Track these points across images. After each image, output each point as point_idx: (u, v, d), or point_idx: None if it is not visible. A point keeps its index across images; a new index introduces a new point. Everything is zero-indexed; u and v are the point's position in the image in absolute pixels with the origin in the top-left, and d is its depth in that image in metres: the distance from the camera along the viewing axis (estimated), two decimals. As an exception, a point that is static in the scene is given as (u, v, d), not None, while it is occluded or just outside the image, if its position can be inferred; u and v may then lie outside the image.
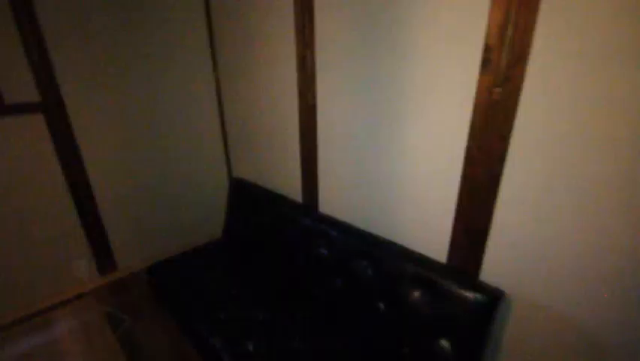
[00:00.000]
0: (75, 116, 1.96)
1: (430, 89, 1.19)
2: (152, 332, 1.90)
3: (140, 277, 2.29)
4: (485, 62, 1.01)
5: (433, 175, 1.27)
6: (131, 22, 2.04)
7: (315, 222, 1.73)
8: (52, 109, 1.88)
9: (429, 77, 1.18)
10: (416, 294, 1.26)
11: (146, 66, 2.15)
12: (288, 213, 1.88)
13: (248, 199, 2.20)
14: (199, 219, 2.68)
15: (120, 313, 2.01)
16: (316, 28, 1.56)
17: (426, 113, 1.23)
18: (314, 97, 1.69)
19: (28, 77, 1.76)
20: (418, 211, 1.37)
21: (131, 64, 2.09)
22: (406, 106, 1.29)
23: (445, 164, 1.22)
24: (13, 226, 1.89)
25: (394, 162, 1.40)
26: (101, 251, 2.26)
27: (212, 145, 2.60)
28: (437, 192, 1.27)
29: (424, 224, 1.36)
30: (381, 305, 1.37)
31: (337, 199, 1.77)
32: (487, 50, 1.00)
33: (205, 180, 2.64)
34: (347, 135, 1.58)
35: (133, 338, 1.85)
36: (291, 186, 2.02)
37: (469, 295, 1.12)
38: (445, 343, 1.16)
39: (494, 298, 1.10)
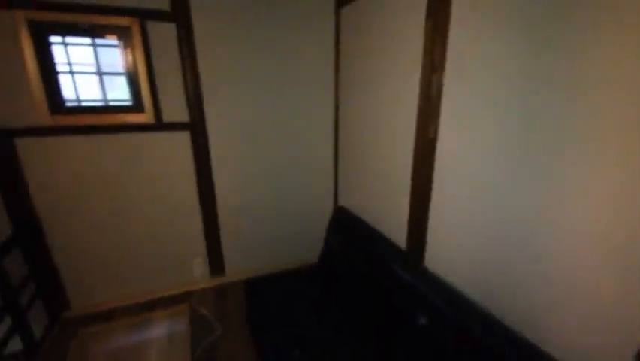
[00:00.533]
0: (212, 134, 2.21)
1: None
2: (234, 348, 1.90)
3: (239, 286, 2.38)
4: None
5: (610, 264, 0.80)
6: (270, 51, 2.19)
7: (418, 280, 1.40)
8: (196, 127, 2.15)
9: None
10: None
11: (277, 94, 2.29)
12: (386, 259, 1.61)
13: (348, 230, 2.04)
14: (301, 241, 2.66)
15: (214, 321, 2.10)
16: (449, 47, 1.27)
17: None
18: (435, 130, 1.39)
19: (182, 101, 2.06)
20: (575, 315, 0.89)
21: (262, 91, 2.24)
22: (583, 157, 0.86)
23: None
24: (151, 219, 2.23)
25: (542, 235, 0.97)
26: (215, 255, 2.46)
27: (323, 169, 2.57)
28: (615, 286, 0.79)
29: (587, 332, 0.87)
30: None
31: (450, 257, 1.40)
32: None
33: (312, 204, 2.62)
34: (474, 183, 1.22)
35: (215, 354, 1.87)
36: (396, 228, 1.75)
37: None
38: None
39: None
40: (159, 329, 1.69)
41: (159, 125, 2.06)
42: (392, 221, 1.80)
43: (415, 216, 1.60)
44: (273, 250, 2.61)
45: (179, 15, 1.93)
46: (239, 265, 2.54)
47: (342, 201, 2.51)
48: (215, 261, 2.47)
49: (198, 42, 2.02)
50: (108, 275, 2.19)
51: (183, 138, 2.15)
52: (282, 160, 2.45)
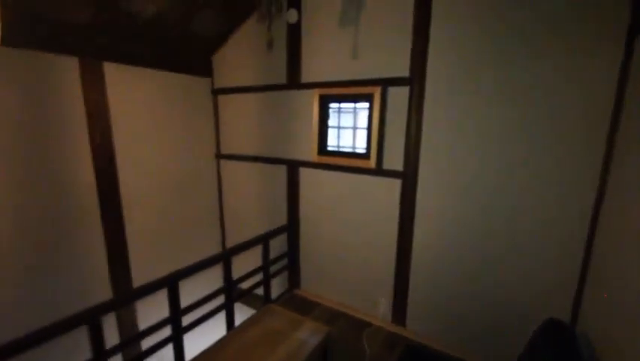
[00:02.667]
0: (422, 186, 2.25)
1: None
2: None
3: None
4: None
5: None
6: (512, 103, 1.94)
7: None
8: (408, 177, 2.30)
9: None
10: None
11: (511, 154, 1.97)
12: None
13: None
14: (498, 334, 2.00)
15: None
16: None
17: None
18: None
19: (400, 153, 2.31)
20: None
21: (490, 150, 2.01)
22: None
23: None
24: (355, 245, 2.61)
25: None
26: (399, 303, 2.45)
27: (564, 256, 1.80)
28: None
29: None
30: None
31: None
32: None
33: (529, 296, 1.91)
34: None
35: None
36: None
37: None
38: None
39: None
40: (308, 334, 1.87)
41: (378, 170, 2.41)
42: None
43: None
44: (463, 329, 2.17)
45: (415, 79, 2.17)
46: (422, 324, 2.35)
47: (588, 320, 1.63)
48: (399, 309, 2.45)
49: (427, 101, 2.14)
50: (324, 275, 2.81)
51: (395, 185, 2.36)
52: (498, 234, 1.99)
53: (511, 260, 1.97)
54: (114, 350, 1.58)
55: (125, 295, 1.67)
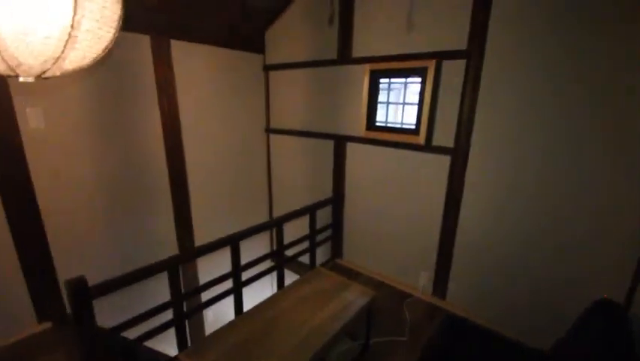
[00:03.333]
0: (473, 163, 2.23)
1: None
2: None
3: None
4: None
5: None
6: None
7: None
8: (458, 154, 2.29)
9: None
10: None
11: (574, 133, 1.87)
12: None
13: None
14: (543, 315, 2.02)
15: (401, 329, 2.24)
16: None
17: None
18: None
19: (452, 129, 2.28)
20: None
21: (550, 127, 1.93)
22: None
23: None
24: (402, 218, 2.68)
25: None
26: (440, 277, 2.51)
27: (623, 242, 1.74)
28: None
29: None
30: None
31: None
32: None
33: (585, 274, 1.88)
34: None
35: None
36: None
37: None
38: None
39: None
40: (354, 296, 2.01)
41: (427, 147, 2.42)
42: None
43: None
44: (502, 305, 2.20)
45: (473, 52, 2.11)
46: (461, 299, 2.41)
47: None
48: (440, 283, 2.51)
49: (484, 77, 2.08)
50: (366, 247, 2.93)
51: (443, 162, 2.36)
52: (548, 218, 1.96)
53: (561, 242, 1.92)
54: (186, 295, 1.83)
55: (198, 249, 1.89)
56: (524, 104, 1.95)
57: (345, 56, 2.68)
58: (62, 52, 0.68)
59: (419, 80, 2.38)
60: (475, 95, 2.11)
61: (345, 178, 2.92)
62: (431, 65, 2.24)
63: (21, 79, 0.71)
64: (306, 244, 2.70)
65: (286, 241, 2.45)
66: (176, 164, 2.66)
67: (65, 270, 2.09)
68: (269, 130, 3.44)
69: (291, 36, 3.02)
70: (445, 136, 2.29)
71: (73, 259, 2.18)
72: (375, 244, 2.85)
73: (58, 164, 2.06)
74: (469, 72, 2.10)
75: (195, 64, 2.66)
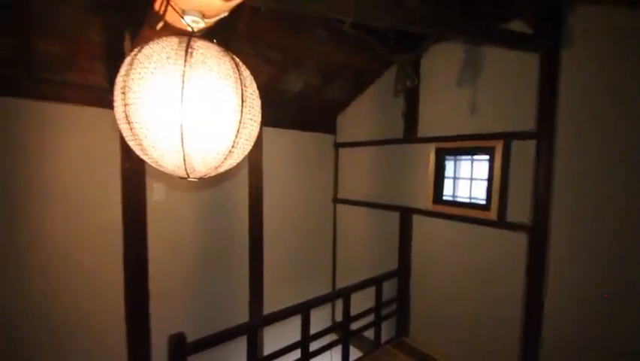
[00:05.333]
0: (555, 240, 2.10)
1: None
2: None
3: None
4: None
5: None
6: None
7: None
8: (536, 231, 2.20)
9: None
10: None
11: None
12: None
13: None
14: None
15: None
16: None
17: None
18: None
19: (526, 205, 2.22)
20: None
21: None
22: None
23: None
24: (476, 299, 2.49)
25: None
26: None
27: None
28: None
29: None
30: None
31: None
32: None
33: None
34: None
35: None
36: None
37: None
38: None
39: None
40: None
41: (500, 223, 2.37)
42: None
43: None
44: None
45: (543, 133, 2.16)
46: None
47: None
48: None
49: (559, 154, 2.08)
50: (435, 325, 2.74)
51: (519, 239, 2.27)
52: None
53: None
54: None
55: (275, 314, 2.00)
56: (611, 181, 1.86)
57: (410, 136, 2.89)
58: (222, 162, 0.95)
59: (486, 157, 2.44)
60: (549, 172, 2.08)
61: (412, 251, 2.90)
62: (498, 145, 2.31)
63: (190, 179, 0.99)
64: (370, 318, 2.63)
65: (350, 312, 2.44)
66: (256, 231, 2.95)
67: (157, 324, 2.34)
68: (336, 200, 3.66)
69: (360, 118, 3.37)
70: (519, 212, 2.23)
71: (164, 313, 2.44)
72: (445, 325, 2.66)
73: (169, 232, 2.46)
74: (541, 151, 2.12)
75: (278, 145, 3.09)
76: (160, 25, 1.05)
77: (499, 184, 2.31)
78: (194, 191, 2.57)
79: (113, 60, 1.96)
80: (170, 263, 2.47)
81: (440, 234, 2.69)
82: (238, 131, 0.91)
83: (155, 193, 2.33)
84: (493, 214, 2.36)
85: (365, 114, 3.32)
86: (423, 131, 2.81)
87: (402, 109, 2.79)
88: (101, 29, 1.81)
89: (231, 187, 2.78)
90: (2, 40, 1.75)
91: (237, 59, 0.96)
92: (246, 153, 1.01)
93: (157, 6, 1.03)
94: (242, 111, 0.90)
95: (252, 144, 1.01)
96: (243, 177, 2.84)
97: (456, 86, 2.56)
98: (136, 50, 0.86)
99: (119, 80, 0.85)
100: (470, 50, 2.44)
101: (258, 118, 0.98)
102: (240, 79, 0.90)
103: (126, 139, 0.89)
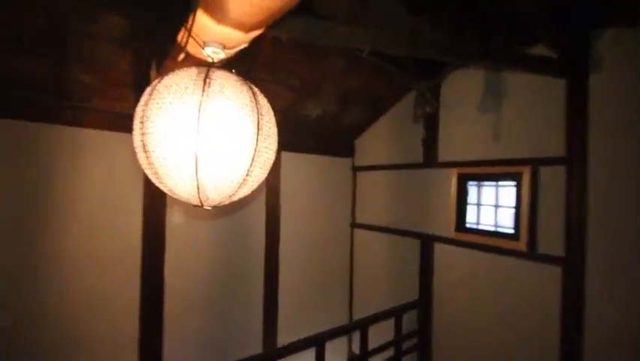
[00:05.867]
0: (592, 273, 1.94)
1: None
2: None
3: None
4: None
5: None
6: None
7: None
8: (572, 264, 2.04)
9: None
10: None
11: None
12: None
13: None
14: None
15: None
16: None
17: None
18: None
19: (559, 236, 2.07)
20: None
21: None
22: None
23: None
24: (504, 339, 2.28)
25: None
26: None
27: None
28: None
29: None
30: None
31: None
32: None
33: None
34: None
35: None
36: None
37: None
38: None
39: None
40: None
41: (530, 254, 2.21)
42: None
43: None
44: None
45: (574, 159, 2.04)
46: None
47: None
48: None
49: (593, 180, 1.95)
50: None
51: (553, 272, 2.11)
52: None
53: None
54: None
55: (286, 348, 1.91)
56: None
57: (431, 160, 2.81)
58: (236, 191, 0.92)
59: (513, 183, 2.32)
60: (582, 199, 1.94)
61: (433, 281, 2.75)
62: (526, 170, 2.20)
63: (205, 207, 0.97)
64: (389, 352, 2.47)
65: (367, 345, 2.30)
66: (272, 257, 2.90)
67: (171, 346, 2.29)
68: (354, 225, 3.57)
69: (379, 142, 3.34)
70: (551, 243, 2.07)
71: (177, 336, 2.39)
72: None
73: (187, 256, 2.47)
74: (573, 177, 1.99)
75: (296, 169, 3.10)
76: (181, 56, 1.07)
77: (528, 212, 2.18)
78: (213, 216, 2.58)
79: (141, 89, 2.05)
80: (186, 287, 2.46)
81: (464, 264, 2.55)
82: (253, 159, 0.89)
83: (175, 217, 2.34)
84: (522, 245, 2.21)
85: (384, 138, 3.29)
86: (444, 155, 2.74)
87: (422, 135, 2.74)
88: (130, 60, 1.91)
89: (249, 212, 2.78)
90: (42, 70, 1.88)
91: (255, 88, 0.95)
92: (261, 181, 0.99)
93: (179, 38, 1.06)
94: (257, 140, 0.88)
95: (267, 172, 0.98)
96: (261, 202, 2.83)
97: (478, 111, 2.50)
98: (156, 80, 0.87)
99: (139, 110, 0.86)
100: (492, 75, 2.39)
101: (274, 146, 0.96)
102: (257, 108, 0.90)
103: (143, 167, 0.89)
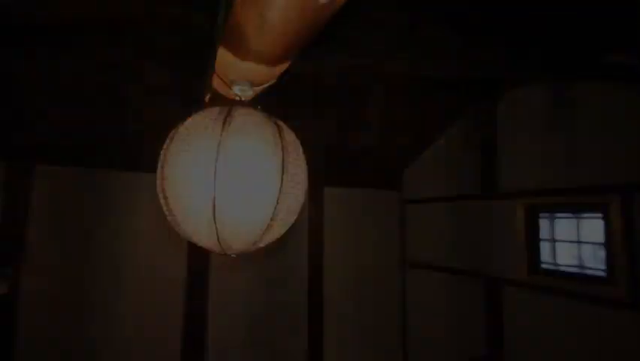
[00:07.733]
0: None
1: None
2: None
3: None
4: None
5: None
6: None
7: None
8: None
9: None
10: None
11: None
12: None
13: None
14: None
15: None
16: None
17: None
18: None
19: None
20: None
21: None
22: None
23: None
24: None
25: None
26: None
27: None
28: None
29: None
30: None
31: None
32: None
33: None
34: None
35: None
36: None
37: None
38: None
39: None
40: None
41: (634, 304, 1.78)
42: None
43: None
44: None
45: None
46: None
47: None
48: None
49: None
50: None
51: None
52: None
53: None
54: None
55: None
56: None
57: (490, 190, 2.50)
58: (260, 237, 0.82)
59: (599, 215, 1.93)
60: None
61: (504, 333, 2.32)
62: (614, 200, 1.81)
63: (229, 254, 0.88)
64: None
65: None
66: (315, 299, 2.72)
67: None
68: (404, 264, 3.27)
69: (429, 173, 3.10)
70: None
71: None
72: None
73: (230, 299, 2.43)
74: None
75: (340, 205, 2.98)
76: (207, 96, 1.06)
77: (625, 251, 1.76)
78: (253, 258, 2.53)
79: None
80: (228, 332, 2.38)
81: (541, 313, 2.12)
82: (278, 202, 0.79)
83: (215, 259, 2.33)
84: (620, 291, 1.78)
85: (434, 168, 3.05)
86: (505, 185, 2.42)
87: (478, 162, 2.47)
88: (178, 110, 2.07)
89: (291, 254, 2.68)
90: (105, 122, 2.10)
91: (281, 123, 0.88)
92: (289, 226, 0.88)
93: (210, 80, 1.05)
94: (282, 180, 0.78)
95: (296, 215, 0.87)
96: (303, 242, 2.73)
97: (544, 131, 2.20)
98: (180, 123, 0.84)
99: (161, 155, 0.82)
100: (560, 90, 2.10)
101: (303, 186, 0.85)
102: (282, 144, 0.81)
103: (165, 213, 0.84)
